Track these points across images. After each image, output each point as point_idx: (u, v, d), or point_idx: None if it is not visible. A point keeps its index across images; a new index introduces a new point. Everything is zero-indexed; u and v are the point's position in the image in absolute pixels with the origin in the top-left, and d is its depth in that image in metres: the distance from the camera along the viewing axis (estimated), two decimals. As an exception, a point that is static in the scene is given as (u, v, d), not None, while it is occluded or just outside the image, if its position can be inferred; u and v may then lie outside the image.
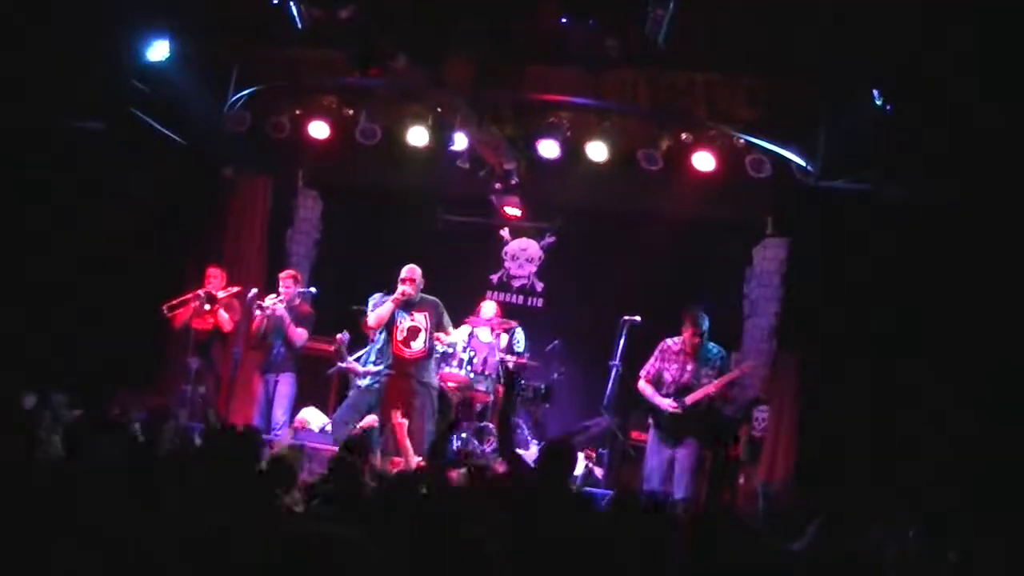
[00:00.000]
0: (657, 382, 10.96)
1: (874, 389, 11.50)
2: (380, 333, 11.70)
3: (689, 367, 10.89)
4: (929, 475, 10.69)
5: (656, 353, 11.05)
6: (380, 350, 11.84)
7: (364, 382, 11.93)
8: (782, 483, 11.84)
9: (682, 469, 10.76)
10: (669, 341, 11.02)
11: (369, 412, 11.48)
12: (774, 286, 13.05)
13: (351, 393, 12.10)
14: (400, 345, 11.21)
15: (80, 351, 12.32)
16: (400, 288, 11.18)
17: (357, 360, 12.24)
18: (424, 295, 11.36)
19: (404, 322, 11.21)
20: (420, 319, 11.23)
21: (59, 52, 11.41)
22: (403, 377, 11.19)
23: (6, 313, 12.12)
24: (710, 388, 10.79)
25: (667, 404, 10.80)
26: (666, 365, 10.98)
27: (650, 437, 11.11)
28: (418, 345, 11.20)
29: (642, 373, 11.05)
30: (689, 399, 10.76)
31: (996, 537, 7.87)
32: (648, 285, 13.04)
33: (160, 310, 12.24)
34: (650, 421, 11.11)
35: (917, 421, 11.10)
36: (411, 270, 11.26)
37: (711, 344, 10.99)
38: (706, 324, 10.85)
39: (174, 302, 12.26)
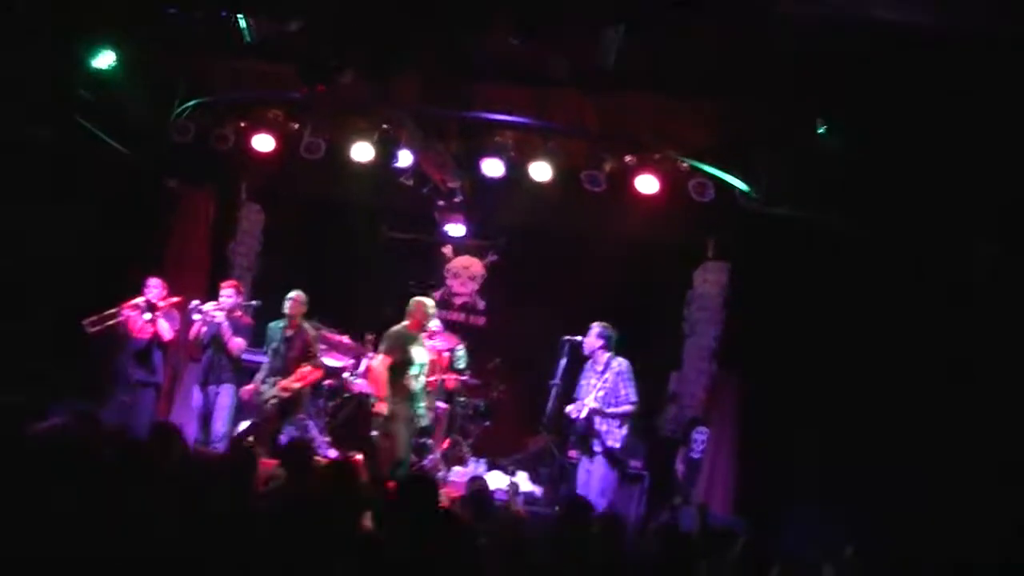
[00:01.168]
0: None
1: (814, 414, 11.59)
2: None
3: (592, 379, 11.09)
4: (866, 497, 10.87)
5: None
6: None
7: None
8: (720, 507, 11.92)
9: (594, 484, 10.84)
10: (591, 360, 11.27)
11: None
12: (715, 308, 13.16)
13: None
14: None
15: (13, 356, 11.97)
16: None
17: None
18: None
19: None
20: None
21: (5, 57, 11.23)
22: None
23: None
24: (586, 402, 10.96)
25: (568, 409, 11.11)
26: (583, 381, 11.24)
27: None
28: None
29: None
30: (583, 412, 10.95)
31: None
32: (590, 305, 12.74)
33: (80, 324, 11.96)
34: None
35: (857, 447, 11.18)
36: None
37: (614, 359, 11.07)
38: (600, 331, 11.07)
39: (94, 318, 11.94)
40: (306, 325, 12.03)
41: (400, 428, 11.18)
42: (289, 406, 11.97)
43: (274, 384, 11.87)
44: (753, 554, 6.95)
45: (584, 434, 11.05)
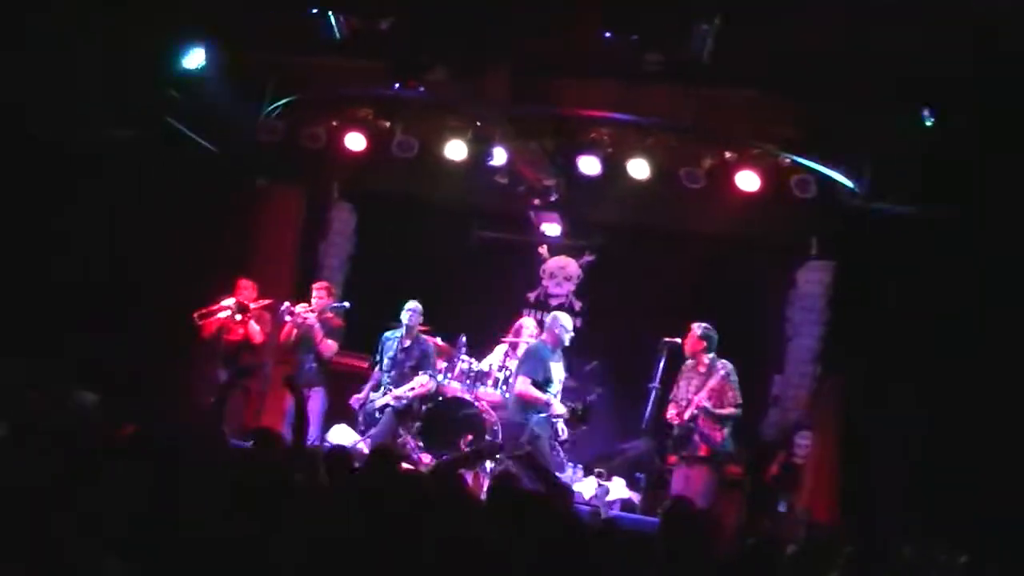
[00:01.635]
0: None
1: (922, 416, 11.61)
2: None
3: (695, 381, 11.17)
4: (981, 509, 10.73)
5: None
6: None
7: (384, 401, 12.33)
8: (824, 513, 11.99)
9: (693, 490, 10.87)
10: (690, 362, 11.36)
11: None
12: (818, 309, 13.18)
13: (386, 413, 12.37)
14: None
15: (106, 358, 12.32)
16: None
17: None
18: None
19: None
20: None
21: (95, 58, 11.66)
22: None
23: (32, 313, 12.39)
24: (697, 400, 11.05)
25: (670, 415, 11.18)
26: (684, 383, 11.32)
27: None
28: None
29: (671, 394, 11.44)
30: (687, 413, 11.05)
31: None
32: (689, 305, 12.88)
33: (191, 317, 12.45)
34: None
35: (969, 453, 11.11)
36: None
37: (719, 362, 11.20)
38: (701, 335, 11.19)
39: (205, 310, 12.55)
40: (423, 336, 12.30)
41: (545, 447, 11.35)
42: (403, 415, 12.28)
43: (385, 393, 12.22)
44: (859, 564, 7.08)
45: (684, 437, 11.16)
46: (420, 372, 12.21)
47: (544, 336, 11.79)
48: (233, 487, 5.61)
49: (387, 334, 12.47)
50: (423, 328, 12.73)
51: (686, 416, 11.07)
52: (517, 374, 11.76)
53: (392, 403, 12.23)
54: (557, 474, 10.59)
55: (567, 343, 11.83)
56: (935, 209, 11.51)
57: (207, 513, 5.25)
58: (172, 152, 13.19)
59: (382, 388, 12.38)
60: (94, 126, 12.31)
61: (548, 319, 11.88)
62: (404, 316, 12.30)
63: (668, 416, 11.24)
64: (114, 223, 13.01)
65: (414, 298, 12.50)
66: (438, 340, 13.13)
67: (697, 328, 11.28)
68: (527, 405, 11.51)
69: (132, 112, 12.42)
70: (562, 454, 12.72)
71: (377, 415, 12.31)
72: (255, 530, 5.07)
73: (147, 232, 13.18)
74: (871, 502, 11.72)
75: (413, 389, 12.18)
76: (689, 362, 11.38)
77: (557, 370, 11.55)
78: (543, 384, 11.45)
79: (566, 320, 11.74)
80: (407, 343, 12.36)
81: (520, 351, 12.72)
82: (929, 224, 11.62)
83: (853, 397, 12.42)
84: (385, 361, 12.42)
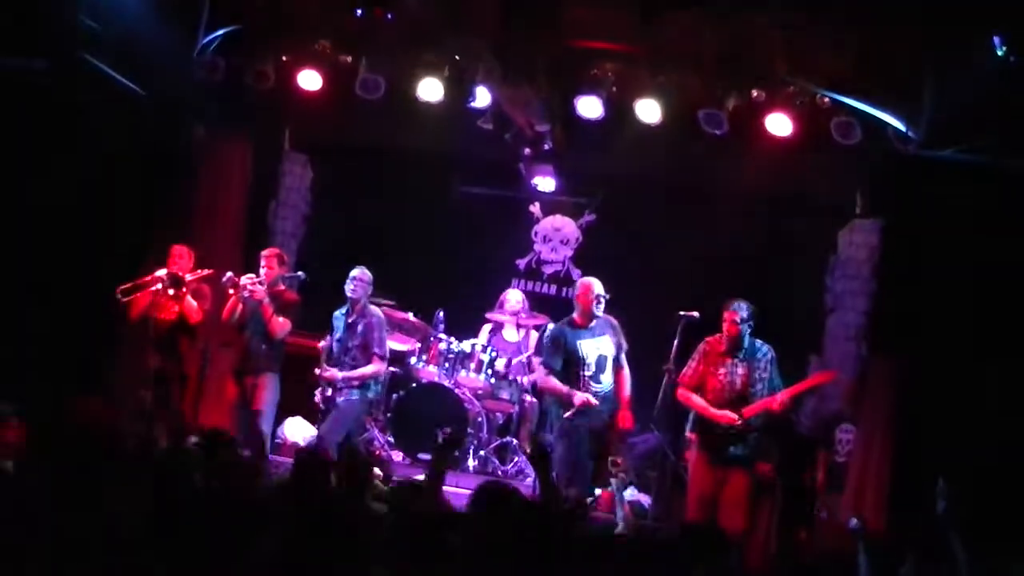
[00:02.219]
0: (699, 390, 10.60)
1: (988, 405, 11.32)
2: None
3: (740, 371, 10.51)
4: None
5: (697, 355, 10.70)
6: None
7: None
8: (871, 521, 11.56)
9: (735, 498, 10.35)
10: (712, 340, 10.69)
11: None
12: (863, 278, 12.93)
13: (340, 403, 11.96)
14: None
15: (15, 346, 12.27)
16: None
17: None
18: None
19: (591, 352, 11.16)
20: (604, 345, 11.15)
21: None
22: None
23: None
24: (777, 398, 10.35)
25: (725, 416, 10.38)
26: (711, 369, 10.61)
27: (693, 459, 10.76)
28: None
29: (682, 377, 10.70)
30: (747, 411, 10.34)
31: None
32: (709, 274, 12.87)
33: (114, 295, 12.00)
34: (691, 438, 10.83)
35: None
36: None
37: (757, 341, 10.60)
38: (747, 313, 10.49)
39: (130, 284, 11.98)
40: (372, 308, 11.89)
41: (574, 449, 10.83)
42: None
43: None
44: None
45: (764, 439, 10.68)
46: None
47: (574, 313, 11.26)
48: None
49: (336, 312, 12.05)
50: (388, 301, 12.53)
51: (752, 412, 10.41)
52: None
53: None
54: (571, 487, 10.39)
55: (599, 312, 11.21)
56: (1005, 159, 11.24)
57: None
58: (89, 95, 12.69)
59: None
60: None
61: (576, 288, 11.41)
62: (347, 287, 11.80)
63: (725, 419, 10.45)
64: (15, 183, 12.68)
65: (384, 266, 12.18)
66: (410, 316, 13.00)
67: (741, 308, 10.52)
68: (551, 396, 11.30)
69: (39, 44, 12.11)
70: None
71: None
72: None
73: (59, 192, 12.73)
74: (929, 509, 11.11)
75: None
76: (715, 342, 10.69)
77: (590, 348, 10.93)
78: (568, 368, 10.89)
79: (596, 285, 11.13)
80: (352, 319, 11.84)
81: (507, 331, 12.98)
82: (998, 176, 11.37)
83: (907, 384, 12.07)
84: (334, 345, 11.97)
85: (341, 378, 11.63)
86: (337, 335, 11.84)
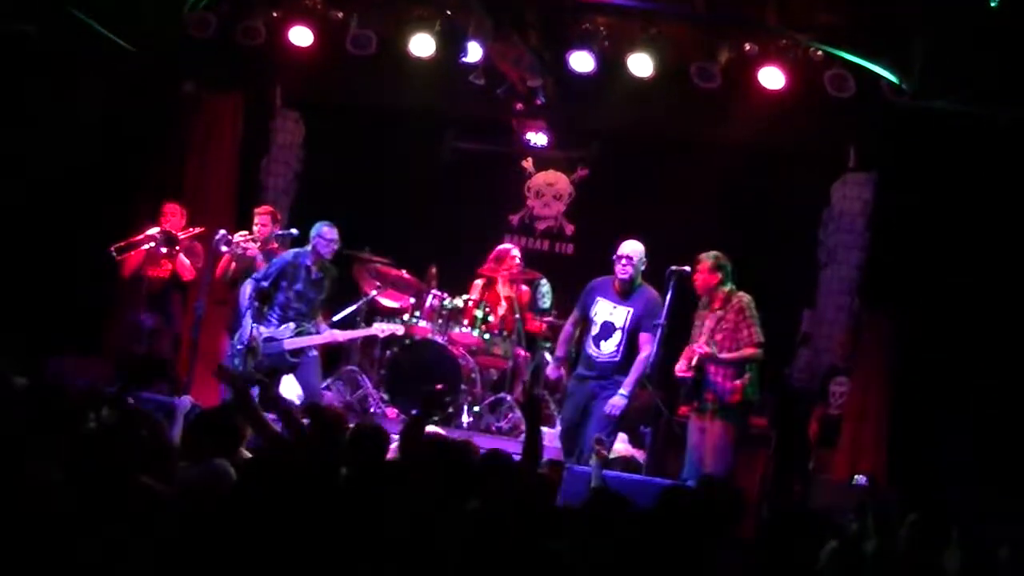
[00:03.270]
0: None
1: (982, 357, 11.36)
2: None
3: (708, 322, 10.54)
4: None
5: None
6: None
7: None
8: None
9: (708, 446, 10.39)
10: (704, 299, 10.71)
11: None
12: (857, 231, 12.97)
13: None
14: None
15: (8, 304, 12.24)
16: None
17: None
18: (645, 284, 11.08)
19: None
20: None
21: None
22: None
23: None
24: (695, 348, 10.44)
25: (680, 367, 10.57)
26: (695, 325, 10.68)
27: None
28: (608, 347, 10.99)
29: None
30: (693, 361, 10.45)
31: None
32: (701, 228, 12.76)
33: (107, 253, 12.05)
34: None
35: None
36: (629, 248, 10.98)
37: (740, 294, 10.57)
38: (714, 263, 10.49)
39: (124, 243, 12.07)
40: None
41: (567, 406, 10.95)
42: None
43: (300, 331, 11.41)
44: (924, 536, 6.76)
45: (696, 386, 10.55)
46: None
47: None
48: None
49: (288, 256, 11.58)
50: (381, 258, 12.63)
51: (693, 363, 10.42)
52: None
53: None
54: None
55: (621, 274, 11.00)
56: (999, 110, 11.23)
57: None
58: (79, 51, 12.71)
59: (292, 325, 11.45)
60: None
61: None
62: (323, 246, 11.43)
63: (677, 370, 10.59)
64: (9, 140, 12.58)
65: (374, 223, 12.35)
66: (404, 272, 12.93)
67: (707, 258, 10.55)
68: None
69: (28, 4, 12.15)
70: (551, 404, 12.68)
71: (291, 359, 11.47)
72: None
73: (51, 151, 12.67)
74: (927, 462, 11.57)
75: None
76: (703, 300, 10.72)
77: (602, 309, 10.82)
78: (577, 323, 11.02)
79: (622, 246, 10.92)
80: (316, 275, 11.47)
81: (501, 286, 12.80)
82: (992, 128, 11.33)
83: (902, 337, 12.12)
84: (289, 295, 11.51)
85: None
86: (297, 286, 11.33)
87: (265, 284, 11.23)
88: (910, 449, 11.74)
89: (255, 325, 10.90)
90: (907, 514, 7.03)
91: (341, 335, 11.63)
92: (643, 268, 10.76)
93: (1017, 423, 11.07)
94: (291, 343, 11.21)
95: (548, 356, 12.82)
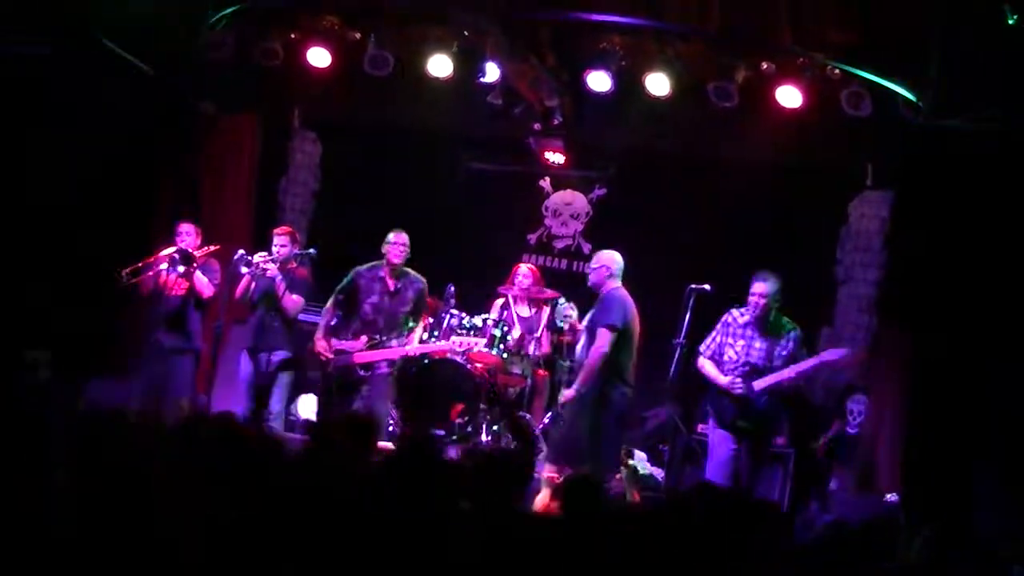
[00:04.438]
0: (718, 361, 10.63)
1: (998, 375, 11.31)
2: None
3: (758, 344, 10.52)
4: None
5: (719, 326, 10.73)
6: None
7: None
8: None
9: (751, 468, 10.51)
10: (735, 312, 10.68)
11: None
12: (874, 249, 12.96)
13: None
14: None
15: (23, 326, 12.29)
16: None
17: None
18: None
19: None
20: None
21: None
22: None
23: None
24: (786, 374, 10.34)
25: (726, 383, 10.45)
26: (730, 340, 10.64)
27: (711, 428, 10.81)
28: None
29: (701, 348, 10.74)
30: (759, 384, 10.35)
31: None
32: (720, 246, 12.94)
33: (118, 276, 11.99)
34: (708, 409, 10.81)
35: None
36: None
37: (784, 318, 10.60)
38: (775, 288, 10.45)
39: (136, 266, 11.98)
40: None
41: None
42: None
43: (374, 344, 11.63)
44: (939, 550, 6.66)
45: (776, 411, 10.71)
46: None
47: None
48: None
49: (364, 272, 11.85)
50: None
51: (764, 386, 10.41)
52: None
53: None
54: None
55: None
56: (1015, 127, 11.06)
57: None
58: (98, 74, 12.70)
59: (364, 338, 11.76)
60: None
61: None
62: (392, 252, 11.65)
63: (754, 388, 10.45)
64: (28, 161, 12.71)
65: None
66: None
67: (769, 277, 10.52)
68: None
69: (47, 25, 12.09)
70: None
71: (362, 372, 11.71)
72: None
73: (69, 171, 12.77)
74: (944, 483, 11.43)
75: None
76: (737, 315, 10.69)
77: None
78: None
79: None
80: (398, 284, 11.72)
81: (519, 305, 12.82)
82: (1010, 146, 11.24)
83: (919, 355, 12.09)
84: (367, 308, 11.80)
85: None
86: (371, 299, 11.68)
87: (341, 297, 11.67)
88: (926, 468, 11.65)
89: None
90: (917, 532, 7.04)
91: (412, 349, 11.64)
92: (609, 274, 10.74)
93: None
94: (360, 356, 11.45)
95: (566, 375, 12.90)
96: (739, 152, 13.12)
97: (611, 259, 10.78)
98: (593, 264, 10.83)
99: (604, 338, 10.27)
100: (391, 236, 11.57)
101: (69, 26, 12.22)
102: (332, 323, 11.74)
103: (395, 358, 11.66)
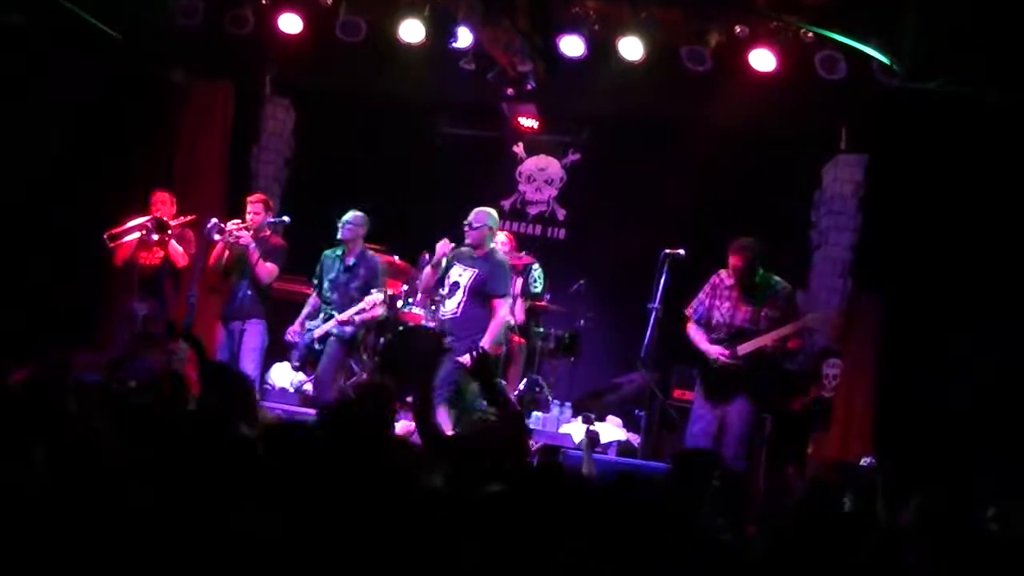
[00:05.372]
0: (707, 324, 10.56)
1: (973, 339, 11.23)
2: None
3: (744, 307, 10.49)
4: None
5: (707, 287, 10.67)
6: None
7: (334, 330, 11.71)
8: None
9: (732, 433, 10.38)
10: (723, 273, 10.63)
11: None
12: (849, 213, 12.92)
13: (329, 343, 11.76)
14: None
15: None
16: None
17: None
18: (493, 250, 11.16)
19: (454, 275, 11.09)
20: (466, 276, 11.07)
21: None
22: None
23: None
24: (765, 339, 10.34)
25: (715, 351, 10.40)
26: (717, 303, 10.59)
27: (696, 394, 10.78)
28: (451, 305, 11.07)
29: (689, 311, 10.67)
30: (742, 348, 10.34)
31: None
32: (694, 211, 12.99)
33: (100, 240, 12.03)
34: (696, 374, 10.78)
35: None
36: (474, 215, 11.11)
37: (774, 278, 10.57)
38: (755, 254, 10.43)
39: (117, 229, 12.03)
40: (371, 252, 11.84)
41: None
42: (353, 347, 11.83)
43: (328, 319, 11.61)
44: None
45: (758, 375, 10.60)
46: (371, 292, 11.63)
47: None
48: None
49: (327, 252, 11.92)
50: (373, 245, 12.27)
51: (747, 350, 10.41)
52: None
53: (335, 331, 11.60)
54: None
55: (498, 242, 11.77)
56: (992, 91, 11.09)
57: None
58: (66, 41, 12.64)
59: (321, 314, 11.81)
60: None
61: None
62: (342, 230, 11.68)
63: (714, 353, 10.46)
64: None
65: (363, 210, 11.90)
66: (395, 259, 12.89)
67: (748, 243, 10.50)
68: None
69: None
70: (545, 390, 12.68)
71: (317, 347, 11.73)
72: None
73: (39, 141, 12.64)
74: (913, 444, 11.41)
75: (363, 311, 11.52)
76: (724, 276, 10.65)
77: (454, 272, 11.09)
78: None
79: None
80: (351, 260, 11.71)
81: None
82: (984, 109, 11.20)
83: (893, 318, 12.11)
84: (325, 284, 11.84)
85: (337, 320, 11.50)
86: (330, 275, 11.72)
87: (315, 281, 11.78)
88: (898, 431, 11.65)
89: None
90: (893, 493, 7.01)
91: (340, 316, 11.51)
92: (491, 234, 10.94)
93: (1010, 406, 11.00)
94: (318, 331, 11.52)
95: (540, 341, 12.86)
96: (713, 116, 12.98)
97: (492, 217, 11.01)
98: (475, 223, 10.88)
99: (504, 308, 10.81)
100: (347, 216, 11.59)
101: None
102: (309, 311, 11.82)
103: (335, 326, 11.55)
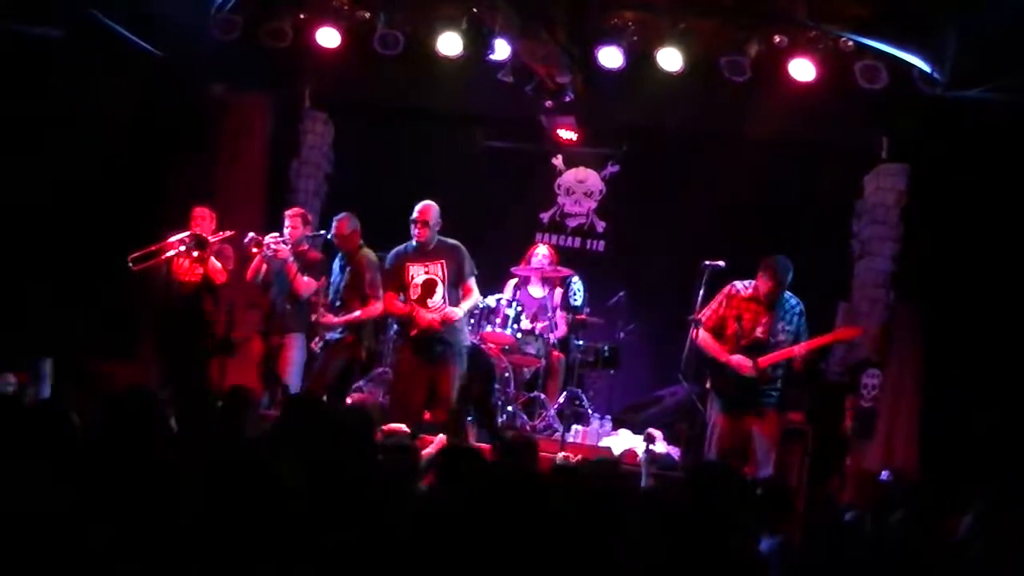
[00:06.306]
0: (718, 334, 10.36)
1: (1016, 350, 11.22)
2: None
3: (763, 319, 10.30)
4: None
5: (720, 298, 10.45)
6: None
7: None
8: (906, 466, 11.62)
9: (765, 446, 10.20)
10: (739, 285, 10.44)
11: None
12: (891, 223, 12.75)
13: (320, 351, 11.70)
14: (415, 304, 10.86)
15: (35, 312, 12.23)
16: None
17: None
18: (442, 238, 11.04)
19: (418, 275, 10.89)
20: (436, 269, 10.93)
21: None
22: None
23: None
24: (795, 349, 10.11)
25: (740, 362, 10.18)
26: (732, 313, 10.40)
27: (712, 406, 10.56)
28: (436, 301, 10.85)
29: (703, 318, 10.42)
30: (764, 360, 10.13)
31: None
32: (734, 222, 12.85)
33: (127, 261, 11.92)
34: (708, 385, 10.58)
35: None
36: (424, 210, 10.93)
37: (786, 293, 10.33)
38: (789, 276, 10.22)
39: (140, 253, 11.90)
40: (364, 251, 11.60)
41: None
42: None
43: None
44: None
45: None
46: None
47: None
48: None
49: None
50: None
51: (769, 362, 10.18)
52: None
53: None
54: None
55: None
56: None
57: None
58: (104, 57, 12.66)
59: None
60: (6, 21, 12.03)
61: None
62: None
63: (739, 364, 10.23)
64: (33, 149, 12.54)
65: (406, 221, 11.49)
66: None
67: (781, 261, 10.28)
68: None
69: (51, 6, 12.08)
70: (584, 403, 12.57)
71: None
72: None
73: (79, 156, 12.59)
74: (959, 455, 11.33)
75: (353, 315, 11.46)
76: (740, 288, 10.45)
77: (417, 271, 11.03)
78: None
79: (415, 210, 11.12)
80: (342, 262, 11.62)
81: (533, 286, 12.74)
82: None
83: (935, 329, 12.05)
84: (329, 290, 11.75)
85: (337, 322, 11.34)
86: (333, 278, 11.61)
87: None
88: (943, 442, 11.57)
89: None
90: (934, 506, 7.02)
91: (334, 320, 11.37)
92: (437, 228, 10.95)
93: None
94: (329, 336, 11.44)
95: (580, 354, 12.79)
96: (752, 127, 12.86)
97: (434, 211, 11.01)
98: (432, 221, 10.89)
99: (476, 287, 11.14)
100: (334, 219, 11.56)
101: (78, 9, 12.07)
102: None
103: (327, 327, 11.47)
